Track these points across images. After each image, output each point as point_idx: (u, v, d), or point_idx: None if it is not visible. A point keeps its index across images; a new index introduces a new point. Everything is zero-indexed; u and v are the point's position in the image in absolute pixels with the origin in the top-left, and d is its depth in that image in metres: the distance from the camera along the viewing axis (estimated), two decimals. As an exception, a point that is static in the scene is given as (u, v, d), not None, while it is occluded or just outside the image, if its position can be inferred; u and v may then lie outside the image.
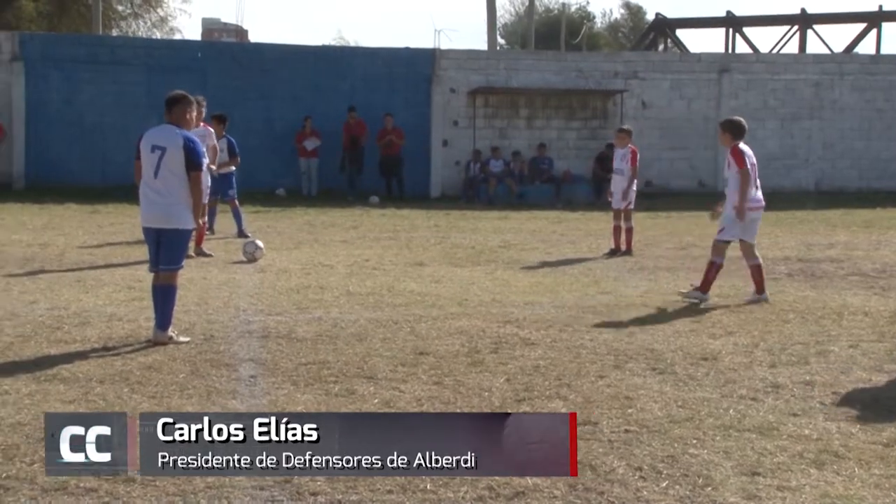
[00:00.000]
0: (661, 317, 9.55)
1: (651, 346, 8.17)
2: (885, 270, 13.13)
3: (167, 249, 8.24)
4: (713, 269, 10.43)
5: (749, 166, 10.47)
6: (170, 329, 8.13)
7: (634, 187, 14.77)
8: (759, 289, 10.56)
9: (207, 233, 14.22)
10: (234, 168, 15.60)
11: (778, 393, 6.75)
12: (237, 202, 15.82)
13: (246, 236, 14.89)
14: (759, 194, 10.77)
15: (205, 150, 13.08)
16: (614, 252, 14.55)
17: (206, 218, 14.41)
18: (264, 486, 4.82)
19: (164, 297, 8.18)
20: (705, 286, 10.39)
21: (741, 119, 10.98)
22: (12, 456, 5.24)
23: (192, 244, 13.45)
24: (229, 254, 13.80)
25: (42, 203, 20.94)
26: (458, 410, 6.20)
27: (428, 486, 4.86)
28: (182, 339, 8.14)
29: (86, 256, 13.39)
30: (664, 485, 4.96)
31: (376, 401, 6.41)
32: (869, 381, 7.07)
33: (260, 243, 13.44)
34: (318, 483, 4.87)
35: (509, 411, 6.17)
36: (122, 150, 25.32)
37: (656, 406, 6.37)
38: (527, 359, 7.65)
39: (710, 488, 4.91)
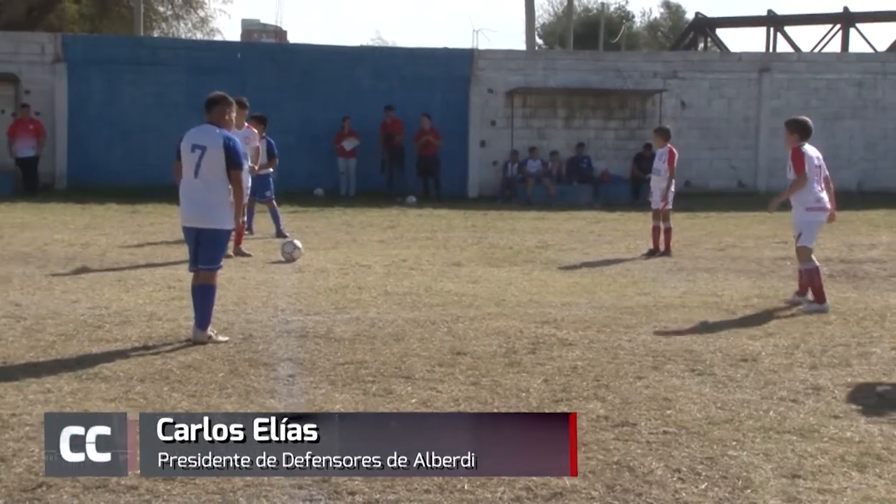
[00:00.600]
0: (700, 318, 9.49)
1: (690, 348, 8.12)
2: (928, 272, 12.98)
3: (206, 249, 8.26)
4: (815, 277, 10.06)
5: (808, 169, 10.23)
6: (209, 328, 8.18)
7: (673, 187, 14.70)
8: (803, 292, 10.28)
9: (246, 233, 14.31)
10: (272, 169, 15.71)
11: (819, 395, 6.69)
12: (275, 203, 15.92)
13: (284, 236, 14.96)
14: (825, 196, 10.44)
15: (247, 151, 13.21)
16: (653, 252, 14.49)
17: (245, 218, 14.55)
18: (302, 486, 4.84)
19: (203, 296, 8.22)
20: (819, 297, 9.99)
21: (807, 119, 10.78)
22: (54, 453, 5.30)
23: (230, 244, 13.59)
24: (268, 254, 13.87)
25: (84, 203, 21.11)
26: (496, 411, 6.20)
27: (465, 486, 4.87)
28: (221, 338, 8.18)
29: (126, 256, 13.51)
30: (703, 486, 4.93)
31: (414, 401, 6.42)
32: (912, 384, 7.01)
33: (298, 243, 13.50)
34: (356, 482, 4.89)
35: (547, 412, 6.18)
36: (162, 150, 25.49)
37: (695, 407, 6.34)
38: (564, 359, 7.64)
39: (749, 490, 4.88)
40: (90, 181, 24.33)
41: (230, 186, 8.25)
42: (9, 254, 13.46)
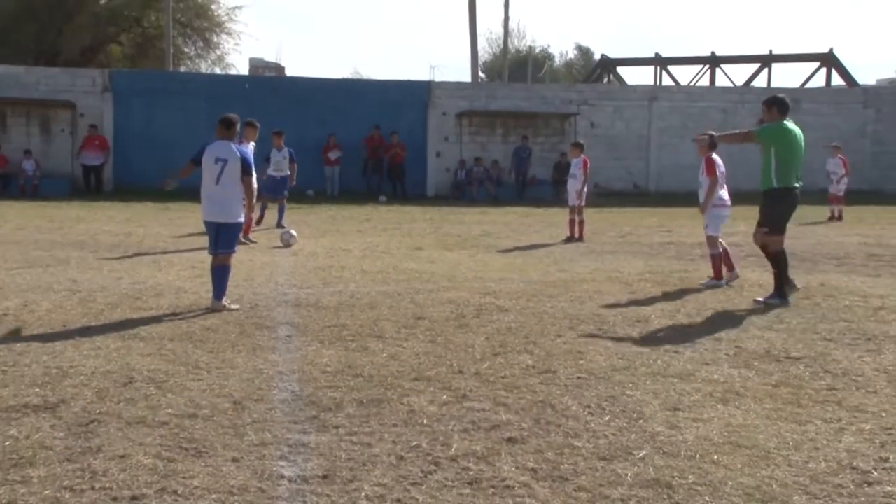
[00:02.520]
0: (605, 289, 9.53)
1: (597, 312, 8.15)
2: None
3: (224, 237, 8.26)
4: (717, 260, 9.93)
5: (719, 174, 10.11)
6: (224, 299, 8.11)
7: (586, 189, 14.76)
8: (729, 267, 10.05)
9: (256, 226, 14.22)
10: (289, 172, 15.59)
11: (694, 347, 6.74)
12: (285, 201, 15.90)
13: (282, 227, 14.82)
14: (726, 194, 10.35)
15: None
16: (570, 239, 14.53)
17: (259, 213, 14.41)
18: (297, 421, 4.79)
19: (221, 274, 8.18)
20: (717, 275, 9.88)
21: (714, 133, 10.53)
22: (104, 397, 5.22)
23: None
24: (270, 241, 13.74)
25: (126, 202, 20.86)
26: (448, 362, 6.19)
27: (424, 422, 4.84)
28: (233, 306, 8.11)
29: (160, 243, 13.33)
30: (607, 419, 4.95)
31: (384, 355, 6.38)
32: (762, 337, 7.07)
33: (294, 232, 13.40)
34: (339, 418, 4.85)
35: (488, 363, 6.17)
36: (188, 160, 25.29)
37: (601, 358, 6.36)
38: (501, 322, 7.64)
39: (642, 421, 4.91)
40: (132, 184, 24.19)
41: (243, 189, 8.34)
42: (67, 241, 13.24)
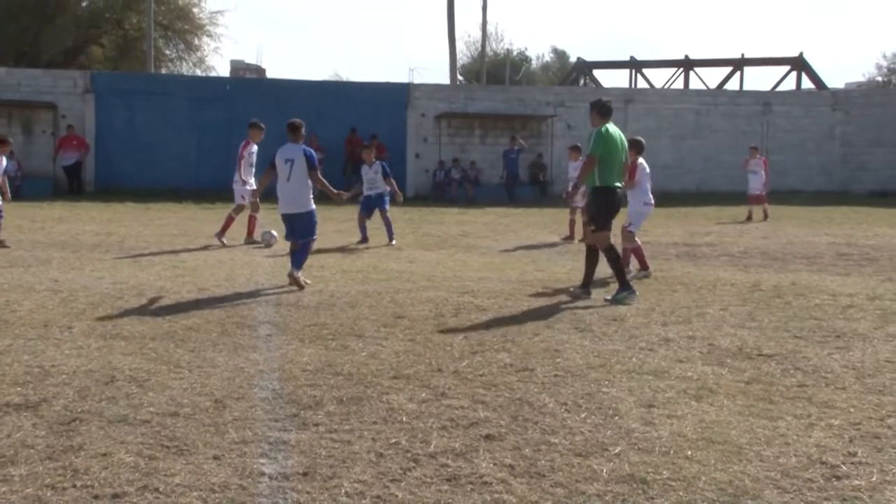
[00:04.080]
0: (581, 288, 9.55)
1: (574, 311, 8.18)
2: (746, 252, 13.26)
3: (301, 226, 9.23)
4: (629, 254, 10.42)
5: (642, 176, 10.56)
6: (300, 271, 9.10)
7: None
8: (644, 266, 10.50)
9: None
10: (386, 187, 14.10)
11: (668, 345, 6.78)
12: (388, 214, 14.68)
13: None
14: (650, 196, 10.76)
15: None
16: (569, 239, 14.50)
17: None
18: (278, 419, 4.77)
19: (303, 251, 9.25)
20: (625, 266, 10.01)
21: (641, 139, 10.87)
22: (85, 395, 5.16)
23: (245, 235, 13.48)
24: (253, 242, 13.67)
25: (107, 202, 20.69)
26: (427, 361, 6.18)
27: (404, 419, 4.84)
28: (307, 281, 9.16)
29: (141, 243, 13.21)
30: (583, 415, 4.96)
31: (364, 353, 6.36)
32: (735, 335, 7.12)
33: (274, 233, 13.31)
34: (320, 416, 4.83)
35: (466, 361, 6.17)
36: (169, 161, 25.14)
37: (578, 356, 6.38)
38: (480, 321, 7.64)
39: (617, 417, 4.92)
40: (113, 185, 24.07)
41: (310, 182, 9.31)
42: (49, 241, 13.11)
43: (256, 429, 4.62)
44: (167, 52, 38.32)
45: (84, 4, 37.52)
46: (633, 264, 10.63)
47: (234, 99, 25.38)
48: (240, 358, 6.15)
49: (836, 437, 4.64)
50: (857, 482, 4.02)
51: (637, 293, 8.84)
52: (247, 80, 42.18)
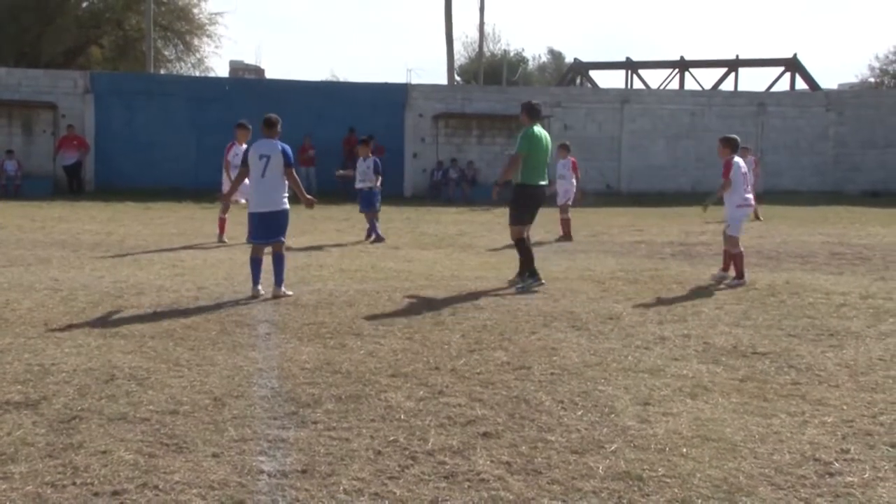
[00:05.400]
0: (578, 287, 9.57)
1: (571, 310, 8.18)
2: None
3: (273, 225, 8.63)
4: (738, 260, 9.77)
5: (736, 175, 9.73)
6: (282, 286, 8.54)
7: (574, 189, 14.98)
8: (726, 269, 9.90)
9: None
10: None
11: (664, 343, 6.79)
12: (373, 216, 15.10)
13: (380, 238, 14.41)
14: (748, 196, 10.03)
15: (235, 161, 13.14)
16: (563, 238, 14.53)
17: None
18: (277, 417, 4.77)
19: (278, 261, 8.60)
20: (739, 275, 9.72)
21: (736, 137, 10.15)
22: (85, 394, 5.16)
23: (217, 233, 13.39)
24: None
25: (107, 201, 20.64)
26: (425, 359, 6.18)
27: (402, 416, 4.84)
28: (289, 292, 8.54)
29: (140, 242, 13.20)
30: (580, 413, 4.97)
31: (362, 352, 6.36)
32: (730, 334, 7.13)
33: None
34: (318, 413, 4.83)
35: (464, 359, 6.17)
36: (168, 160, 25.12)
37: (574, 354, 6.38)
38: (477, 320, 7.64)
39: (613, 415, 4.93)
40: (113, 185, 24.02)
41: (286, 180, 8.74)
42: (49, 240, 13.08)
43: (255, 427, 4.62)
44: (166, 52, 38.28)
45: (84, 5, 37.46)
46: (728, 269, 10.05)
47: (233, 99, 25.31)
48: (239, 356, 6.15)
49: (830, 435, 4.65)
50: (850, 479, 4.02)
51: (543, 280, 9.31)
52: (245, 80, 42.16)
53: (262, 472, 3.99)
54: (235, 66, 66.54)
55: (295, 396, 5.18)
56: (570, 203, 14.67)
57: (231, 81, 32.50)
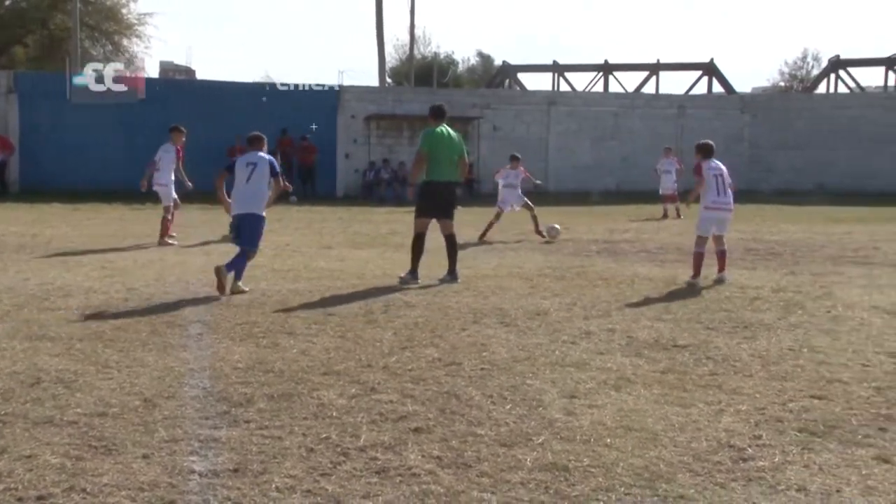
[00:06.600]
0: (507, 284, 9.65)
1: (500, 306, 8.24)
2: (663, 248, 13.56)
3: (249, 230, 8.93)
4: (697, 259, 9.76)
5: (707, 177, 9.76)
6: (240, 281, 8.79)
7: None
8: (695, 273, 9.78)
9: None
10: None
11: (590, 338, 6.89)
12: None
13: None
14: (725, 198, 9.87)
15: (172, 161, 13.13)
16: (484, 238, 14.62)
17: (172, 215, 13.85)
18: (209, 416, 4.69)
19: (241, 259, 8.86)
20: (695, 272, 9.74)
21: (708, 142, 10.20)
22: (9, 398, 4.99)
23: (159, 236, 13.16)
24: (182, 241, 13.39)
25: (33, 203, 20.01)
26: (357, 357, 6.16)
27: (334, 414, 4.81)
28: (245, 287, 8.72)
29: (68, 244, 12.82)
30: (508, 407, 5.01)
31: (295, 350, 6.30)
32: (652, 327, 7.28)
33: (558, 226, 14.02)
34: (250, 412, 4.77)
35: (396, 356, 6.17)
36: (96, 161, 24.46)
37: (503, 350, 6.44)
38: (408, 317, 7.64)
39: (541, 408, 4.99)
40: (38, 186, 23.29)
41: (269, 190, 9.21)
42: (-29, 243, 12.59)
43: (187, 427, 4.54)
44: (94, 52, 37.21)
45: (7, 3, 36.16)
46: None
47: (165, 100, 24.80)
48: (170, 357, 6.03)
49: (743, 422, 4.79)
50: (762, 463, 4.16)
51: (418, 279, 9.49)
52: (176, 81, 41.25)
53: (193, 472, 3.92)
54: (166, 67, 64.94)
55: (227, 396, 5.10)
56: (517, 209, 14.94)
57: (161, 82, 31.78)
